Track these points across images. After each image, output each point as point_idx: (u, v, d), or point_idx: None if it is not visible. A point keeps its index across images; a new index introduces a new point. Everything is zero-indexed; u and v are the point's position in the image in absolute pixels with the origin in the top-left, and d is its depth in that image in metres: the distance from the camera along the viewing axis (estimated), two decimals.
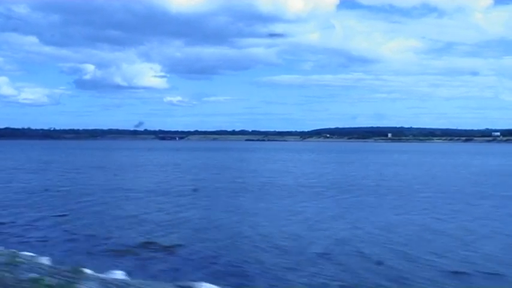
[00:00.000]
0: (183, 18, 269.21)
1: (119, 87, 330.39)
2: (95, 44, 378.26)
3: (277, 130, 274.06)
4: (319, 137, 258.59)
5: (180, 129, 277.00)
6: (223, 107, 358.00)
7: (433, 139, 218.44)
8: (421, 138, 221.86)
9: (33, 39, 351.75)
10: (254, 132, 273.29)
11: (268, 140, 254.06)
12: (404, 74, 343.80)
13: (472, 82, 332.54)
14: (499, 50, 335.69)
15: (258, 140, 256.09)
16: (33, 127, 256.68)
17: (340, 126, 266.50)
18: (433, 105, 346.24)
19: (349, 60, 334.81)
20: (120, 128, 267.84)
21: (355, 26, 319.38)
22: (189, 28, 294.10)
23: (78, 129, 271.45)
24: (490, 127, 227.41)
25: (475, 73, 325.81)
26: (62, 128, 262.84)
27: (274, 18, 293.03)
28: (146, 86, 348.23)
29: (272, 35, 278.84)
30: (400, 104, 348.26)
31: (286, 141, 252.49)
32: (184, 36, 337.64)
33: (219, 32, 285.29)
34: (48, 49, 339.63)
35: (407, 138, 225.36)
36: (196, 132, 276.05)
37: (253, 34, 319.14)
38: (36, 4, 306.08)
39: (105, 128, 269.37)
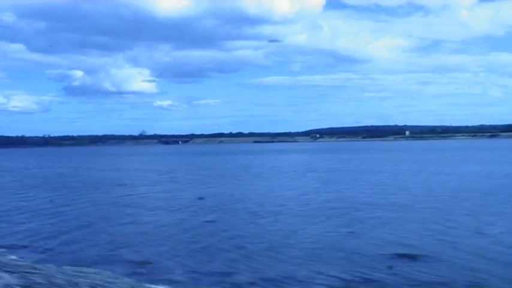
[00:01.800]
0: (170, 22, 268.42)
1: (108, 93, 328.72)
2: (83, 50, 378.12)
3: (267, 132, 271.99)
4: (332, 137, 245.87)
5: (173, 133, 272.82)
6: (213, 110, 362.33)
7: (455, 136, 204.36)
8: (443, 135, 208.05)
9: (20, 46, 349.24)
10: (253, 134, 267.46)
11: (278, 142, 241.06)
12: (392, 72, 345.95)
13: (461, 79, 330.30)
14: (485, 46, 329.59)
15: (267, 141, 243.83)
16: (26, 134, 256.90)
17: (330, 126, 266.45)
18: (422, 102, 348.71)
19: (338, 60, 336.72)
20: (116, 133, 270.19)
21: (342, 26, 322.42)
22: (177, 32, 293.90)
23: (74, 136, 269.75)
24: (483, 123, 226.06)
25: (463, 70, 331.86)
26: (56, 135, 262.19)
27: (262, 20, 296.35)
28: (136, 90, 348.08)
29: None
30: (389, 103, 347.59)
31: (296, 141, 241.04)
32: (173, 40, 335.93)
33: (207, 35, 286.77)
34: (35, 56, 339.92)
35: (430, 135, 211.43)
36: (193, 136, 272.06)
37: (241, 36, 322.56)
38: (23, 11, 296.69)
39: (100, 133, 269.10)
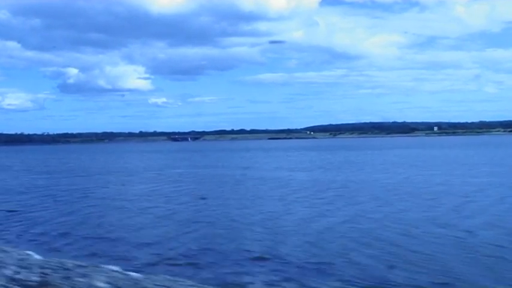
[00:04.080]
0: (165, 19, 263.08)
1: (103, 90, 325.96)
2: (77, 48, 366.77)
3: (263, 129, 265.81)
4: (352, 133, 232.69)
5: (168, 130, 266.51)
6: (208, 107, 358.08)
7: (491, 131, 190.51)
8: (478, 130, 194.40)
9: (14, 44, 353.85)
10: (254, 131, 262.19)
11: (296, 138, 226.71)
12: (387, 69, 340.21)
13: (456, 75, 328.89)
14: (481, 42, 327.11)
15: (284, 138, 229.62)
16: (25, 132, 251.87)
17: (326, 123, 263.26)
18: (417, 99, 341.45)
19: (333, 57, 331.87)
20: (114, 130, 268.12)
21: (338, 23, 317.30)
22: (172, 29, 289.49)
23: (74, 133, 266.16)
24: (481, 120, 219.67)
25: (458, 66, 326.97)
26: (53, 133, 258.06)
27: (258, 16, 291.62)
28: (130, 88, 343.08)
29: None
30: (384, 99, 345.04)
31: (315, 138, 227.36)
32: (168, 37, 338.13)
33: (202, 32, 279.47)
34: (30, 54, 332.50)
35: (463, 131, 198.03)
36: (192, 133, 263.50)
37: (237, 33, 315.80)
38: (17, 9, 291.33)
39: (98, 131, 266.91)
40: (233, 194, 26.25)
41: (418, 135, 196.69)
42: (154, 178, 38.83)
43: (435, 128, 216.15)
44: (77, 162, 68.31)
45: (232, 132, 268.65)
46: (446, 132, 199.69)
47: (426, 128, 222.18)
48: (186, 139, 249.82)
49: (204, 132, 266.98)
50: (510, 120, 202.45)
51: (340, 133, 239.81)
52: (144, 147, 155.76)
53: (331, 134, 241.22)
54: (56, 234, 15.86)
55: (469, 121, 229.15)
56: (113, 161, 72.18)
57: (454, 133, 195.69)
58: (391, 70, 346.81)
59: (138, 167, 55.20)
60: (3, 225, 18.05)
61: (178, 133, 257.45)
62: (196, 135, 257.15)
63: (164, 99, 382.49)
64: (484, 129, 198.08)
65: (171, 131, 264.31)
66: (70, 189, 30.55)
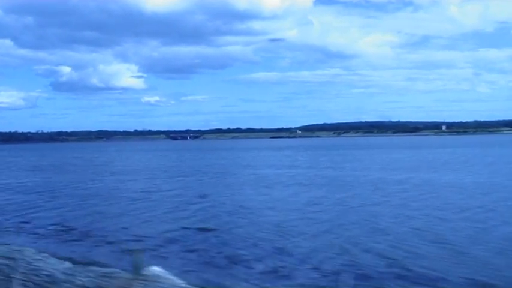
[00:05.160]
0: (159, 17, 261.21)
1: (96, 89, 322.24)
2: (70, 46, 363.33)
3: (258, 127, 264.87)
4: (357, 132, 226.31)
5: (163, 129, 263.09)
6: (201, 106, 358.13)
7: (502, 130, 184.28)
8: (490, 130, 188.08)
9: (7, 42, 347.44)
10: (251, 130, 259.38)
11: (300, 137, 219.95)
12: (381, 68, 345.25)
13: (449, 75, 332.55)
14: (474, 42, 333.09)
15: (286, 136, 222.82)
16: (19, 130, 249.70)
17: (321, 122, 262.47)
18: (410, 98, 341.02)
19: (327, 56, 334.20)
20: (109, 129, 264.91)
21: (332, 22, 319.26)
22: (166, 27, 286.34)
23: (68, 132, 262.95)
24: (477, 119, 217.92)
25: (451, 66, 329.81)
26: (48, 131, 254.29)
27: (252, 15, 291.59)
28: (124, 86, 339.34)
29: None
30: (377, 98, 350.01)
31: (319, 137, 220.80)
32: (161, 35, 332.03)
33: (196, 30, 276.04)
34: (23, 52, 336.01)
35: (474, 129, 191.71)
36: (189, 132, 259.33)
37: (231, 32, 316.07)
38: (10, 6, 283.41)
39: (92, 129, 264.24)
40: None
41: (427, 135, 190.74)
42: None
43: (443, 127, 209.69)
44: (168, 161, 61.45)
45: (229, 131, 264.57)
46: (457, 132, 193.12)
47: (424, 127, 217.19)
48: (185, 138, 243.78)
49: (200, 130, 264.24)
50: (505, 120, 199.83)
51: (344, 132, 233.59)
52: (149, 146, 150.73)
53: (334, 133, 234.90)
54: None
55: (464, 120, 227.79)
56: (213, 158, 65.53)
57: (465, 132, 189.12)
58: (384, 69, 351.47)
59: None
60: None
61: (176, 132, 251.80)
62: (195, 134, 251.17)
63: (157, 98, 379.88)
64: (494, 129, 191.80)
65: (165, 129, 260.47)
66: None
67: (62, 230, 16.31)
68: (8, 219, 18.70)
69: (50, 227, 16.80)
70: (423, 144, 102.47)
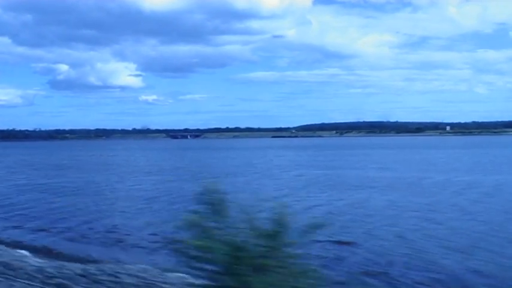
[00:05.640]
0: (157, 16, 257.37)
1: (93, 87, 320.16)
2: (68, 44, 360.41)
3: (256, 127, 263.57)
4: (360, 132, 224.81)
5: (161, 128, 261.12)
6: (199, 105, 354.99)
7: (507, 131, 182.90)
8: (495, 131, 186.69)
9: (5, 39, 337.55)
10: (250, 129, 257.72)
11: (302, 137, 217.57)
12: (379, 68, 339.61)
13: (447, 75, 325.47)
14: (472, 43, 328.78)
15: (288, 136, 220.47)
16: (16, 128, 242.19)
17: (319, 122, 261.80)
18: (408, 99, 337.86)
19: (325, 56, 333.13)
20: (107, 127, 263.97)
21: (330, 22, 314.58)
22: (164, 26, 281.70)
23: (66, 130, 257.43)
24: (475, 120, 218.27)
25: (449, 67, 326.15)
26: (46, 129, 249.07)
27: (250, 15, 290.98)
28: (121, 85, 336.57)
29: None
30: (375, 99, 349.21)
31: (321, 136, 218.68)
32: (159, 34, 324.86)
33: (195, 29, 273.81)
34: (21, 49, 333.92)
35: (479, 130, 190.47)
36: (188, 130, 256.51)
37: (229, 31, 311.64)
38: (8, 4, 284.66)
39: (90, 127, 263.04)
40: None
41: (431, 135, 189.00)
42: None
43: (447, 128, 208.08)
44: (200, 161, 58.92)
45: (228, 130, 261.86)
46: (461, 132, 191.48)
47: (424, 127, 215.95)
48: (186, 137, 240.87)
49: (198, 129, 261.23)
50: (503, 121, 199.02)
51: (346, 132, 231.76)
52: (153, 144, 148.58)
53: (337, 132, 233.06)
54: None
55: (462, 121, 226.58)
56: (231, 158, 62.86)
57: (470, 133, 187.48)
58: (382, 70, 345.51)
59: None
60: None
61: (175, 130, 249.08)
62: (195, 133, 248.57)
63: (155, 97, 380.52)
64: (500, 130, 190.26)
65: (164, 128, 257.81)
66: None
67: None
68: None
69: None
70: (437, 144, 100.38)
